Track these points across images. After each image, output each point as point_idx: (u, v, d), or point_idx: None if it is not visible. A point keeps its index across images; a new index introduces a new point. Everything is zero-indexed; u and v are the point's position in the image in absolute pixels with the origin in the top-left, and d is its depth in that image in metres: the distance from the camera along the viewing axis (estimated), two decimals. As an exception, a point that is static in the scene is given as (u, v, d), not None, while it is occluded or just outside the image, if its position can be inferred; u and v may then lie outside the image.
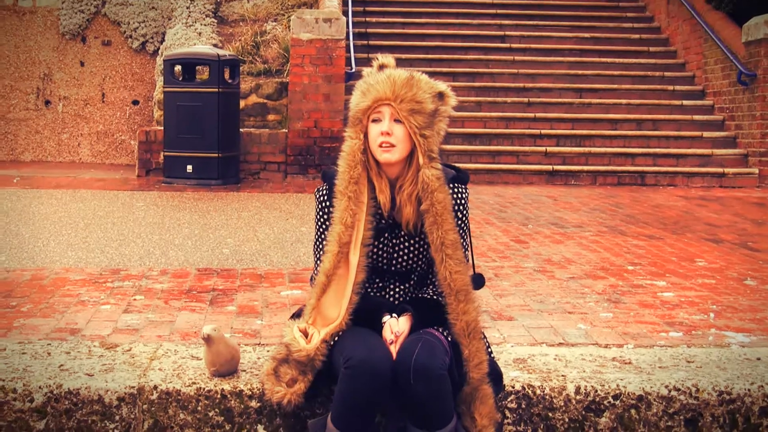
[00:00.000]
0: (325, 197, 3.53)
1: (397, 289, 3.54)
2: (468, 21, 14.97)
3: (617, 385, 3.74)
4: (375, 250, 3.48)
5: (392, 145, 3.38)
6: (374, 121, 3.40)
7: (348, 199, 3.40)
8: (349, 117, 3.47)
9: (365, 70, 3.48)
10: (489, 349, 3.56)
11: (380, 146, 3.38)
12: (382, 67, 3.45)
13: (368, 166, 3.43)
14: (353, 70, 11.96)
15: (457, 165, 3.63)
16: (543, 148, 12.21)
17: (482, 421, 3.38)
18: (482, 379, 3.39)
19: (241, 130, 11.73)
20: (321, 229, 3.54)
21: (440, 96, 3.41)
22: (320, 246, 3.54)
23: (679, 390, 3.74)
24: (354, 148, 3.41)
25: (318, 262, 3.53)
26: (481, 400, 3.39)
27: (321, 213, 3.54)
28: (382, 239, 3.48)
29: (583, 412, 3.71)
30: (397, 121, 3.37)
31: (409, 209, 3.43)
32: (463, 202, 3.52)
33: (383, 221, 3.47)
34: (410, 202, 3.43)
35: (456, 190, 3.51)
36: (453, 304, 3.42)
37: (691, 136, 12.53)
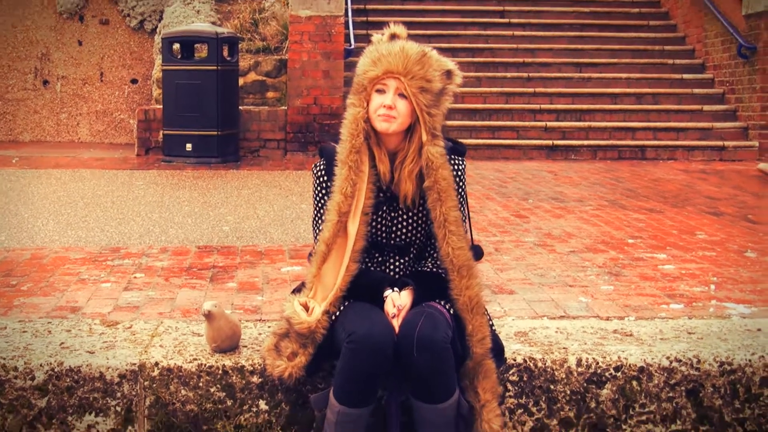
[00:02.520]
0: (323, 173, 3.51)
1: (397, 263, 3.54)
2: (467, -4, 14.91)
3: (618, 357, 3.74)
4: (374, 224, 3.47)
5: (392, 117, 3.36)
6: (378, 91, 3.37)
7: (348, 169, 3.39)
8: (353, 83, 3.44)
9: (374, 37, 3.44)
10: (491, 323, 3.56)
11: (379, 115, 3.36)
12: (393, 36, 3.41)
13: (369, 134, 3.42)
14: (352, 46, 11.91)
15: (456, 139, 3.61)
16: (543, 123, 12.18)
17: (485, 395, 3.38)
18: (485, 354, 3.39)
19: (240, 107, 11.70)
20: (319, 205, 3.53)
21: (448, 74, 3.39)
22: (319, 222, 3.53)
23: (680, 361, 3.74)
24: (357, 117, 3.39)
25: (317, 237, 3.52)
26: (484, 375, 3.39)
27: (319, 189, 3.53)
28: (381, 212, 3.47)
29: (585, 384, 3.71)
30: (401, 95, 3.35)
31: (408, 185, 3.42)
32: (460, 173, 3.51)
33: (381, 194, 3.45)
34: (410, 179, 3.41)
35: (454, 161, 3.50)
36: (456, 280, 3.41)
37: (691, 109, 12.49)
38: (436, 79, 3.34)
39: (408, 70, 3.32)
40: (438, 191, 3.39)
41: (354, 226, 3.40)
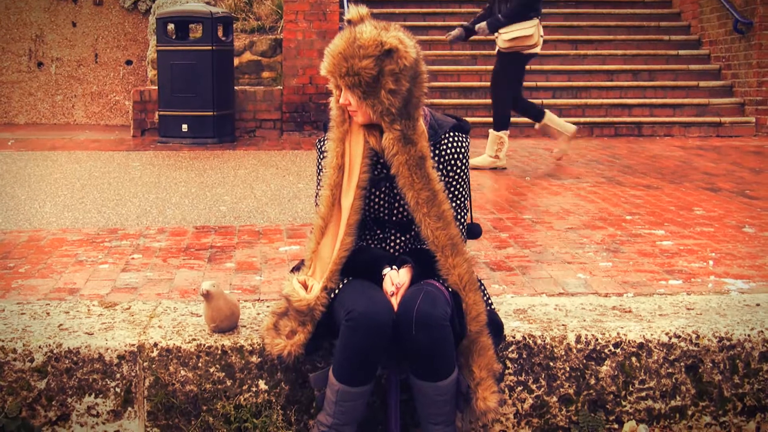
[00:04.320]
0: (323, 146, 3.52)
1: (398, 240, 3.53)
2: (462, -26, 14.85)
3: (617, 334, 3.74)
4: (375, 200, 3.47)
5: (354, 111, 3.36)
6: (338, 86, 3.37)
7: (337, 141, 3.42)
8: None
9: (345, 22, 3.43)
10: (489, 301, 3.56)
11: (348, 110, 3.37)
12: (350, 22, 3.37)
13: None
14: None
15: (460, 117, 3.59)
16: (539, 101, 12.13)
17: (480, 373, 3.38)
18: (480, 332, 3.39)
19: (235, 88, 11.66)
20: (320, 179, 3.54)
21: (388, 53, 3.24)
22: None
23: (679, 337, 3.74)
24: (334, 103, 3.44)
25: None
26: (479, 353, 3.39)
27: (321, 163, 3.53)
28: (383, 189, 3.46)
29: (584, 361, 3.72)
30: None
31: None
32: (462, 151, 3.49)
33: (385, 171, 3.44)
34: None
35: (456, 138, 3.48)
36: (442, 260, 3.41)
37: (687, 86, 12.47)
38: (365, 70, 3.23)
39: (338, 70, 3.27)
40: (402, 177, 3.37)
41: (348, 200, 3.39)
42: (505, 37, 8.57)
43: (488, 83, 12.28)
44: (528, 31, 8.52)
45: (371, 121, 3.36)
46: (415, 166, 3.35)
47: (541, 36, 8.69)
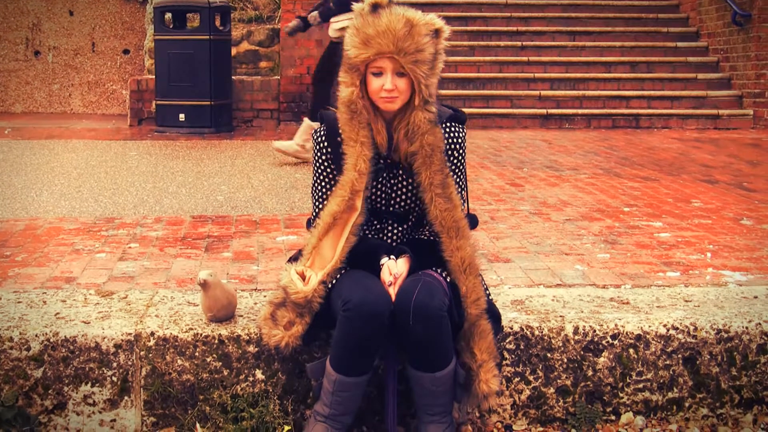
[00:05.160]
0: (323, 139, 3.48)
1: (396, 231, 3.52)
2: (460, -36, 14.83)
3: (615, 325, 3.73)
4: (374, 191, 3.45)
5: (394, 97, 3.33)
6: (375, 74, 3.32)
7: (361, 145, 3.36)
8: (344, 61, 3.39)
9: (355, 7, 3.37)
10: (487, 291, 3.55)
11: (382, 98, 3.33)
12: (375, 6, 3.34)
13: (368, 109, 3.38)
14: (345, 15, 11.84)
15: (457, 107, 3.59)
16: (537, 92, 12.15)
17: (482, 355, 3.37)
18: (480, 315, 3.38)
19: (233, 77, 11.65)
20: (319, 171, 3.50)
21: (436, 33, 3.33)
22: (320, 190, 3.50)
23: (677, 329, 3.74)
24: (353, 97, 3.35)
25: (319, 205, 3.49)
26: (480, 335, 3.38)
27: (320, 155, 3.49)
28: (381, 179, 3.45)
29: (582, 352, 3.71)
30: (399, 73, 3.31)
31: (406, 144, 3.40)
32: (459, 141, 3.49)
33: (381, 161, 3.43)
34: (407, 139, 3.39)
35: (453, 129, 3.48)
36: (446, 242, 3.40)
37: (685, 78, 12.46)
38: (427, 47, 3.29)
39: (400, 48, 3.26)
40: (423, 156, 3.37)
41: (360, 201, 3.38)
42: (335, 26, 8.40)
43: (486, 74, 12.33)
44: None
45: (400, 106, 3.35)
46: (438, 148, 3.37)
47: None
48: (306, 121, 8.73)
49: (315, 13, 8.66)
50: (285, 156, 8.61)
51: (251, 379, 3.62)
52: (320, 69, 8.86)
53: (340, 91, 3.39)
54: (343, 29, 8.24)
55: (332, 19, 8.45)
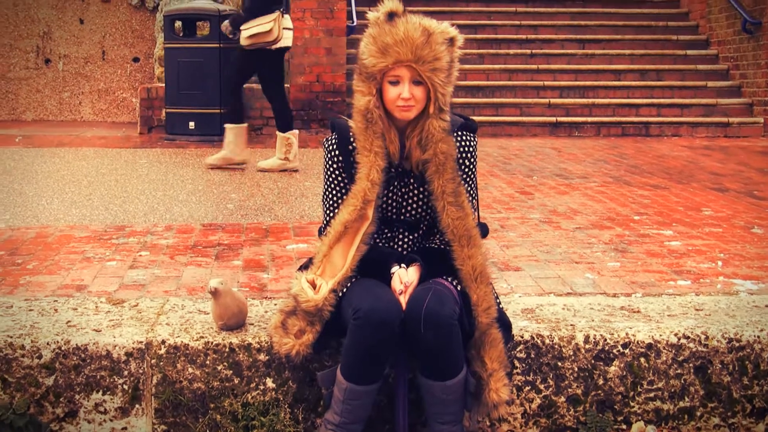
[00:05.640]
0: (335, 147, 3.48)
1: (406, 239, 3.52)
2: (469, -28, 14.85)
3: (626, 334, 3.73)
4: (385, 199, 3.46)
5: (411, 106, 3.33)
6: (392, 82, 3.33)
7: (375, 155, 3.36)
8: (359, 70, 3.39)
9: (370, 15, 3.38)
10: (497, 300, 3.55)
11: (398, 106, 3.33)
12: (391, 15, 3.34)
13: (382, 118, 3.38)
14: (354, 23, 11.87)
15: (467, 116, 3.60)
16: (546, 100, 12.15)
17: (492, 364, 3.37)
18: (491, 324, 3.38)
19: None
20: (331, 181, 3.50)
21: (450, 41, 3.34)
22: (331, 198, 3.50)
23: (688, 338, 3.73)
24: (370, 106, 3.35)
25: (330, 214, 3.50)
26: (491, 344, 3.38)
27: (331, 163, 3.50)
28: (392, 188, 3.45)
29: (593, 361, 3.71)
30: (415, 82, 3.32)
31: (418, 152, 3.40)
32: (470, 149, 3.49)
33: (392, 170, 3.44)
34: (419, 147, 3.39)
35: (464, 137, 3.48)
36: (458, 250, 3.40)
37: (695, 85, 12.45)
38: (444, 55, 3.31)
39: (418, 56, 3.27)
40: (436, 164, 3.37)
41: (371, 210, 3.39)
42: (245, 33, 8.28)
43: (495, 82, 12.33)
44: (265, 27, 8.19)
45: (415, 115, 3.36)
46: (451, 156, 3.37)
47: (287, 28, 8.36)
48: (278, 134, 8.64)
49: (226, 22, 8.59)
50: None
51: (262, 387, 3.62)
52: (231, 80, 8.80)
53: (355, 100, 3.39)
54: (252, 36, 8.17)
55: (242, 27, 8.31)
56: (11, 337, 3.59)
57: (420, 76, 3.29)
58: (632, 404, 3.73)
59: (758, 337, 3.74)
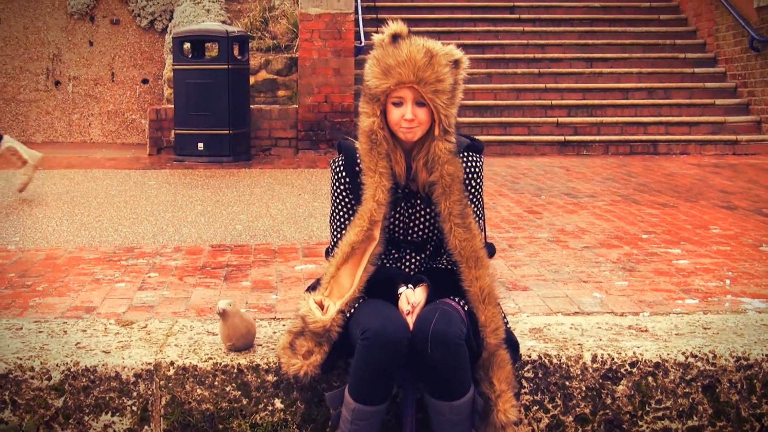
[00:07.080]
0: (341, 168, 3.50)
1: (413, 260, 3.53)
2: (477, -8, 14.89)
3: (634, 353, 3.73)
4: (392, 220, 3.47)
5: (414, 127, 3.35)
6: (395, 104, 3.35)
7: (380, 176, 3.38)
8: (364, 92, 3.43)
9: (375, 38, 3.42)
10: (505, 320, 3.55)
11: (402, 128, 3.35)
12: (395, 36, 3.38)
13: (387, 140, 3.40)
14: (362, 44, 11.92)
15: (473, 136, 3.61)
16: (554, 119, 12.17)
17: (500, 385, 3.37)
18: (499, 345, 3.39)
19: (251, 106, 11.71)
20: (337, 201, 3.52)
21: (455, 63, 3.36)
22: (338, 219, 3.52)
23: (696, 356, 3.73)
24: (374, 127, 3.37)
25: (337, 235, 3.51)
26: (499, 365, 3.38)
27: (338, 185, 3.52)
28: (399, 209, 3.47)
29: (600, 380, 3.71)
30: (419, 103, 3.34)
31: (425, 174, 3.42)
32: (477, 170, 3.50)
33: (399, 191, 3.45)
34: (426, 169, 3.41)
35: (471, 158, 3.49)
36: (465, 271, 3.41)
37: (703, 103, 12.46)
38: (447, 77, 3.32)
39: (420, 78, 3.29)
40: (443, 186, 3.39)
41: (378, 231, 3.40)
42: None
43: (503, 101, 12.36)
44: None
45: (420, 136, 3.38)
46: (457, 178, 3.38)
47: None
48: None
49: None
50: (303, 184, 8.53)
51: (270, 408, 3.63)
52: None
53: (360, 121, 3.41)
54: None
55: None
56: (21, 358, 3.60)
57: (423, 98, 3.31)
58: (640, 423, 3.72)
59: (766, 355, 3.74)
